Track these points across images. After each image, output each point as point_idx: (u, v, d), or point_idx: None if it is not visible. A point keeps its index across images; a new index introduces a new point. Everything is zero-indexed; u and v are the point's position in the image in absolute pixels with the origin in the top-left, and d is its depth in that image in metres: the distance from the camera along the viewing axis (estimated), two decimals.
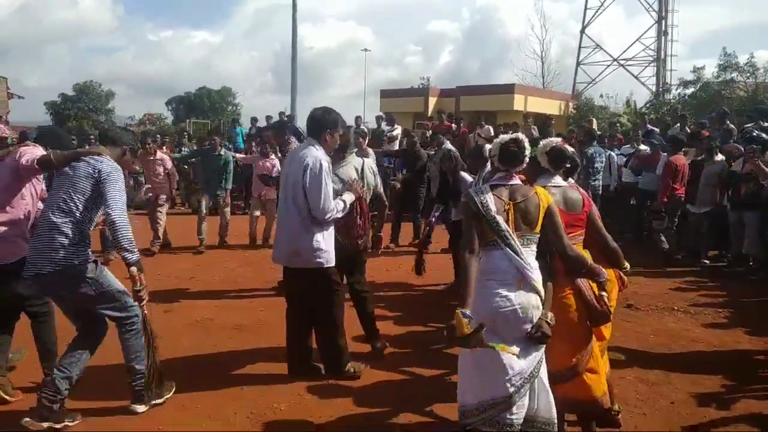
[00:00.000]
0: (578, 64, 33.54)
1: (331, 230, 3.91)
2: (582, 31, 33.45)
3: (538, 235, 2.71)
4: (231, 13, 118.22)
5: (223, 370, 4.17)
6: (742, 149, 7.73)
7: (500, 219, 2.65)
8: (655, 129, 11.72)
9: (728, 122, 10.36)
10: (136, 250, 3.26)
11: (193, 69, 79.84)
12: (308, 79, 74.31)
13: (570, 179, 3.26)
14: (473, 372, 2.63)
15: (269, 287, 6.32)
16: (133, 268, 3.24)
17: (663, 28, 31.07)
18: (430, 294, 6.42)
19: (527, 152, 2.83)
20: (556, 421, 2.67)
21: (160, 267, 7.24)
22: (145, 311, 3.45)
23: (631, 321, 5.45)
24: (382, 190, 4.84)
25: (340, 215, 3.88)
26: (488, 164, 5.51)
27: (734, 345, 4.89)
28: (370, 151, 7.57)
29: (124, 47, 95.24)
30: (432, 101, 24.96)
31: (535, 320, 2.61)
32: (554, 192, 2.95)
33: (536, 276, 2.64)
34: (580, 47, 33.51)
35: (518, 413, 2.56)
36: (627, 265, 3.22)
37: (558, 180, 3.10)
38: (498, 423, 2.55)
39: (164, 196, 8.32)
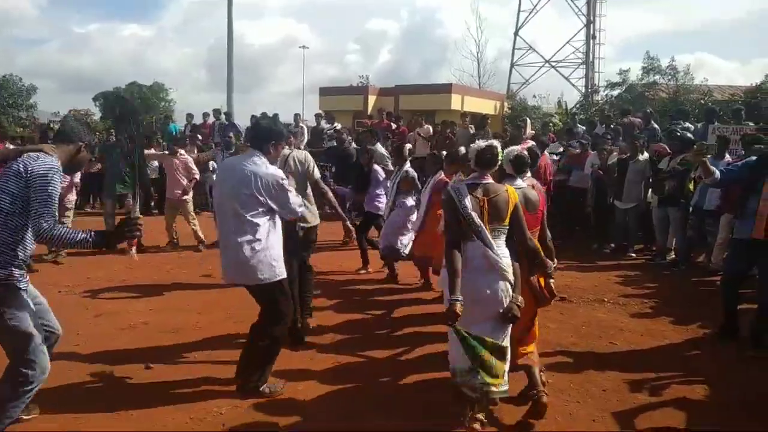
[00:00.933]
0: (512, 65, 34.46)
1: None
2: (516, 33, 34.39)
3: (507, 227, 3.17)
4: (163, 6, 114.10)
5: (158, 374, 4.04)
6: (667, 148, 8.17)
7: (475, 215, 3.07)
8: (582, 127, 12.21)
9: (652, 122, 10.97)
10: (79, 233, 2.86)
11: (123, 64, 76.32)
12: (246, 76, 72.94)
13: (527, 175, 3.70)
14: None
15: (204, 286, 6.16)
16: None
17: (591, 32, 32.38)
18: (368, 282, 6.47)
19: (500, 157, 3.27)
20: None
21: (89, 270, 6.91)
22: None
23: (564, 313, 5.65)
24: (318, 179, 4.88)
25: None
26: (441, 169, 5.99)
27: (660, 334, 5.16)
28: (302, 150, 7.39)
29: (47, 39, 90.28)
30: (371, 100, 24.97)
31: (506, 303, 3.07)
32: (518, 193, 3.32)
33: (506, 264, 3.09)
34: (514, 49, 34.46)
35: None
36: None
37: (519, 182, 3.51)
38: (474, 387, 3.05)
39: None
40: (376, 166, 7.51)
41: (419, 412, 3.61)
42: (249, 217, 3.55)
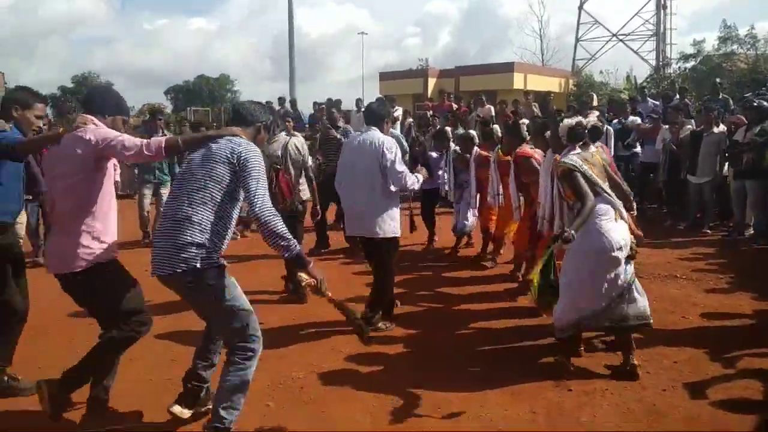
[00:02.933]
0: (577, 40, 33.38)
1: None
2: (580, 8, 33.24)
3: (608, 183, 3.79)
4: (226, 0, 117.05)
5: None
6: (745, 119, 7.80)
7: (593, 174, 3.69)
8: (656, 102, 11.76)
9: (721, 93, 10.45)
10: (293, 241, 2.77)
11: (191, 57, 79.44)
12: (307, 65, 74.14)
13: (597, 143, 4.13)
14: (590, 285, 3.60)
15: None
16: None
17: (662, 1, 30.83)
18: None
19: (587, 131, 3.87)
20: (649, 315, 3.76)
21: None
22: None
23: None
24: (309, 166, 5.68)
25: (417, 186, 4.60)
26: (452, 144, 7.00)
27: (736, 308, 5.01)
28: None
29: (120, 38, 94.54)
30: (431, 82, 24.92)
31: (628, 242, 3.66)
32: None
33: (624, 211, 3.73)
34: (578, 23, 33.34)
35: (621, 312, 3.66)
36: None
37: (592, 148, 3.94)
38: (605, 318, 3.65)
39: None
40: (431, 152, 7.67)
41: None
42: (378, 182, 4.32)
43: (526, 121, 5.85)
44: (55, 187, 3.02)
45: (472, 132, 7.11)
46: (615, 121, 10.30)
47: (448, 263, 6.82)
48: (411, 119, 13.70)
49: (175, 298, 3.08)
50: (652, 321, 3.77)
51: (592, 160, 3.80)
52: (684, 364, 3.85)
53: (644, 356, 3.99)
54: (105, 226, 3.01)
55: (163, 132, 7.76)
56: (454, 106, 13.65)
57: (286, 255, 2.73)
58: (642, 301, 3.74)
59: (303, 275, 2.89)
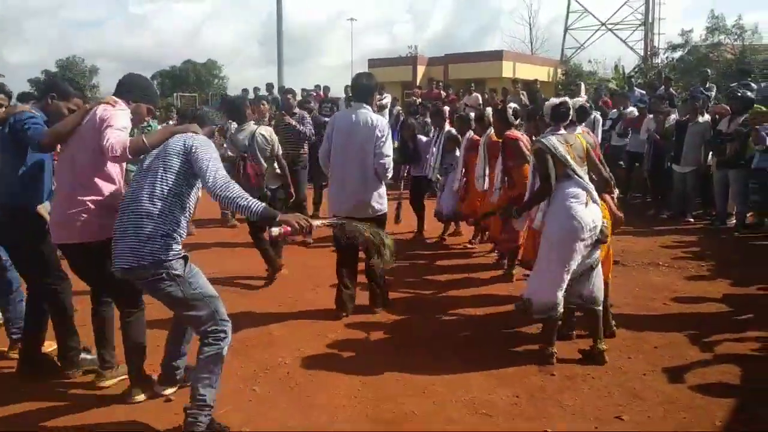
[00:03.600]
0: (566, 29, 33.37)
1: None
2: None
3: (586, 166, 3.80)
4: None
5: None
6: (729, 109, 7.88)
7: (568, 157, 3.68)
8: (643, 91, 11.85)
9: (708, 83, 10.56)
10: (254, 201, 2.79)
11: (178, 42, 78.39)
12: (296, 51, 73.42)
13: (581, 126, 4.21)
14: (556, 271, 3.64)
15: None
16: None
17: None
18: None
19: (572, 111, 3.87)
20: (601, 301, 3.82)
21: None
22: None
23: (618, 276, 5.60)
24: (278, 154, 5.76)
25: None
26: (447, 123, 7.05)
27: (716, 295, 5.10)
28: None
29: (106, 20, 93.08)
30: (420, 70, 24.82)
31: (599, 226, 3.67)
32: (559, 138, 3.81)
33: (596, 194, 3.72)
34: (568, 12, 33.32)
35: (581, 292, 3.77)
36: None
37: (578, 129, 4.05)
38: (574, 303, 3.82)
39: None
40: (419, 136, 7.73)
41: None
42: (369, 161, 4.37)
43: (513, 105, 5.83)
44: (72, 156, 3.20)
45: (472, 114, 7.01)
46: (614, 110, 10.38)
47: (435, 251, 6.87)
48: (399, 107, 13.69)
49: None
50: (600, 309, 3.82)
51: (573, 141, 3.80)
52: (664, 349, 3.93)
53: (626, 342, 4.06)
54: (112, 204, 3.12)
55: (148, 121, 7.54)
56: (443, 94, 13.65)
57: (251, 215, 2.75)
58: (598, 286, 3.80)
59: (273, 229, 2.89)
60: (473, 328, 4.44)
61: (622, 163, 9.85)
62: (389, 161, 4.43)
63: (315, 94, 13.81)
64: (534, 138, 4.71)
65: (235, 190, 2.76)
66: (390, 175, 4.54)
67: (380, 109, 13.35)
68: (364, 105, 4.48)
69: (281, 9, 19.83)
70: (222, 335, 2.92)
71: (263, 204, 2.80)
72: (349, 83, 16.46)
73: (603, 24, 32.87)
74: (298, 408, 3.22)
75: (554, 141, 3.72)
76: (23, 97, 7.31)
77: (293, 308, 4.84)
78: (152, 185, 2.82)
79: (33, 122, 3.24)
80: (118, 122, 3.02)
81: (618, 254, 6.33)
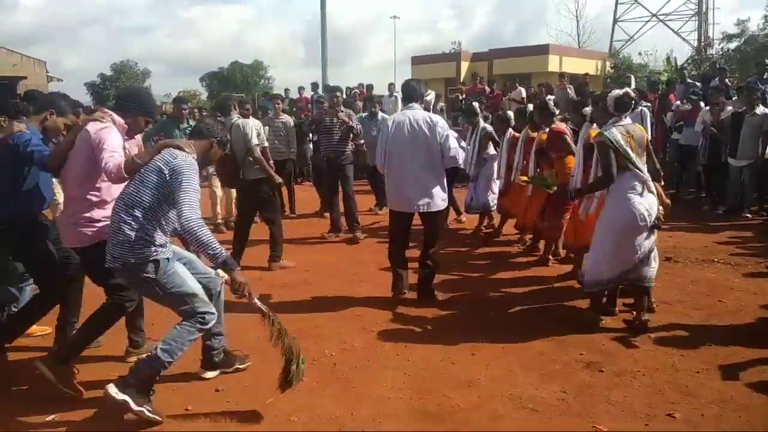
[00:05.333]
0: (615, 21, 32.59)
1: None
2: None
3: (645, 156, 3.98)
4: None
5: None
6: None
7: (629, 149, 3.84)
8: (696, 83, 11.44)
9: (766, 74, 10.12)
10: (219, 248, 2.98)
11: (226, 44, 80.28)
12: (340, 50, 74.11)
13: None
14: (612, 256, 3.97)
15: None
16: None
17: None
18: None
19: (633, 102, 4.08)
20: (653, 280, 4.14)
21: None
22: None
23: (670, 272, 5.49)
24: (252, 147, 5.85)
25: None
26: (510, 128, 6.92)
27: None
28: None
29: (157, 25, 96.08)
30: (464, 66, 24.65)
31: (654, 215, 3.91)
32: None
33: (652, 185, 3.94)
34: (617, 3, 32.54)
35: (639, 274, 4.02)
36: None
37: (627, 120, 4.05)
38: (626, 280, 4.08)
39: None
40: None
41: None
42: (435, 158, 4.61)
43: (552, 97, 6.16)
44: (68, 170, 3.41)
45: (510, 113, 7.17)
46: (676, 102, 10.09)
47: (471, 243, 6.84)
48: (443, 103, 13.64)
49: None
50: (653, 285, 4.20)
51: (634, 131, 3.95)
52: (719, 347, 3.80)
53: (678, 339, 3.96)
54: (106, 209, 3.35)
55: (188, 121, 7.54)
56: (487, 89, 13.51)
57: (214, 262, 3.01)
58: (654, 267, 4.11)
59: (220, 271, 3.19)
60: (517, 320, 4.40)
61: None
62: (457, 151, 4.62)
63: (359, 92, 13.89)
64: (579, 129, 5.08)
65: (206, 234, 2.94)
66: (461, 161, 4.79)
67: (471, 108, 13.41)
68: (416, 105, 4.74)
69: (325, 10, 19.99)
70: (199, 326, 3.12)
71: (226, 255, 3.00)
72: (392, 81, 16.61)
73: (654, 15, 31.95)
74: (344, 399, 3.27)
75: (617, 134, 3.88)
76: (76, 106, 7.68)
77: (340, 302, 4.90)
78: (129, 196, 3.05)
79: (35, 146, 3.48)
80: (110, 144, 3.22)
81: (670, 250, 6.18)
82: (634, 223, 3.87)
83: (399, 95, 15.07)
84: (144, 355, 3.20)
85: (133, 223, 3.00)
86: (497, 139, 7.04)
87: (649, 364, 3.58)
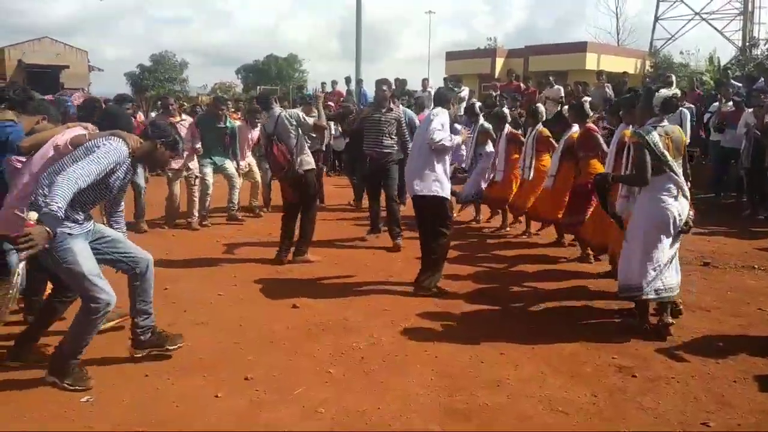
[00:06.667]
0: (656, 18, 31.76)
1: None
2: None
3: (681, 159, 3.96)
4: None
5: (298, 317, 4.47)
6: None
7: (666, 152, 3.81)
8: (738, 84, 11.09)
9: None
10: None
11: (261, 37, 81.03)
12: (374, 44, 73.94)
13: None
14: (642, 257, 3.91)
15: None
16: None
17: None
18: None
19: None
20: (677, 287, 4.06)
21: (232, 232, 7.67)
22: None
23: (708, 278, 5.35)
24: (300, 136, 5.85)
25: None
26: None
27: None
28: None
29: (195, 17, 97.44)
30: (499, 62, 24.39)
31: (684, 218, 3.90)
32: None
33: (686, 188, 3.91)
34: (659, 1, 31.64)
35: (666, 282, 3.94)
36: None
37: (665, 122, 3.99)
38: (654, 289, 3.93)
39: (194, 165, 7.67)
40: (455, 124, 7.98)
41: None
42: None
43: (588, 98, 6.26)
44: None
45: (505, 110, 7.48)
46: (715, 103, 9.82)
47: (479, 238, 6.77)
48: (476, 100, 13.48)
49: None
50: (675, 293, 4.08)
51: (672, 132, 3.92)
52: (757, 357, 3.68)
53: (714, 346, 3.85)
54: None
55: (225, 120, 7.74)
56: (522, 86, 13.33)
57: (36, 208, 2.90)
58: (678, 276, 4.07)
59: (31, 213, 2.89)
60: (547, 320, 4.33)
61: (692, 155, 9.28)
62: (437, 138, 4.76)
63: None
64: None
65: (63, 191, 2.87)
66: (444, 145, 4.82)
67: (458, 102, 13.27)
68: (440, 110, 5.03)
69: (361, 3, 19.97)
70: (91, 312, 3.18)
71: (54, 212, 2.83)
72: (426, 76, 16.55)
73: (697, 14, 31.03)
74: (372, 393, 3.27)
75: (655, 137, 3.83)
76: (120, 99, 7.87)
77: (368, 296, 4.90)
78: (52, 170, 3.13)
79: (15, 131, 3.73)
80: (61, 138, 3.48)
81: (709, 255, 6.03)
82: (664, 226, 3.86)
83: (430, 91, 15.02)
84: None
85: (41, 193, 3.03)
86: (494, 136, 7.34)
87: (683, 371, 3.49)
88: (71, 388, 3.22)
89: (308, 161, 5.88)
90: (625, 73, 13.51)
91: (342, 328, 4.21)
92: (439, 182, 4.89)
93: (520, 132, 7.33)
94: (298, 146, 5.78)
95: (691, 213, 4.00)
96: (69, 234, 3.13)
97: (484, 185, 7.35)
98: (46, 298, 3.80)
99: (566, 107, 7.03)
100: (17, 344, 3.55)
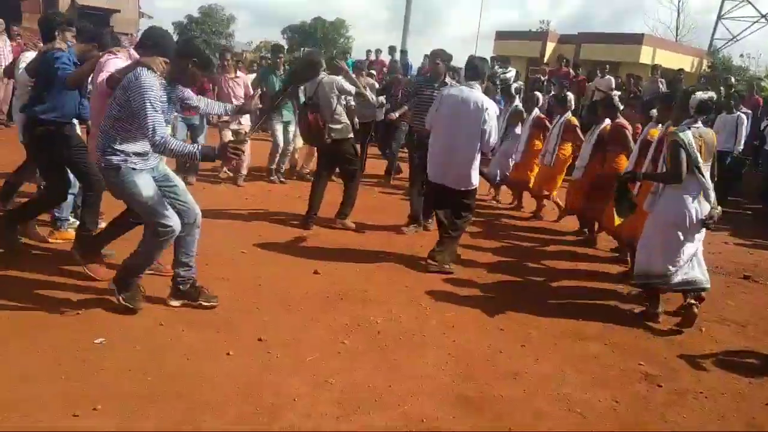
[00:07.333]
0: (719, 17, 30.32)
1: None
2: None
3: (710, 162, 4.03)
4: None
5: (318, 284, 4.40)
6: None
7: (698, 154, 3.87)
8: None
9: None
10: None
11: None
12: (423, 18, 72.37)
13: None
14: (661, 249, 4.03)
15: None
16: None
17: None
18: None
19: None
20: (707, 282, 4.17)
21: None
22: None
23: (747, 292, 5.10)
24: (338, 105, 5.76)
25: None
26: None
27: None
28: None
29: None
30: (549, 47, 23.60)
31: (702, 216, 3.93)
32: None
33: (712, 192, 3.96)
34: None
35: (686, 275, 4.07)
36: None
37: (699, 123, 4.04)
38: (674, 283, 4.07)
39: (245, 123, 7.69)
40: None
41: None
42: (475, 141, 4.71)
43: (617, 93, 6.63)
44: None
45: (537, 93, 7.53)
46: None
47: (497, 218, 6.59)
48: (521, 82, 13.07)
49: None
50: (709, 287, 4.20)
51: (706, 136, 3.99)
52: None
53: (749, 364, 3.67)
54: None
55: (283, 68, 7.87)
56: (572, 73, 12.89)
57: (195, 159, 3.29)
58: (703, 269, 4.16)
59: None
60: (573, 315, 4.16)
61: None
62: (493, 141, 4.78)
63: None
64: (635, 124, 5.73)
65: (174, 144, 3.20)
66: (492, 146, 4.98)
67: (503, 82, 12.91)
68: (476, 84, 4.77)
69: None
70: (160, 237, 3.37)
71: (198, 148, 3.27)
72: (474, 54, 16.10)
73: (763, 16, 29.52)
74: (384, 369, 3.19)
75: (690, 137, 3.90)
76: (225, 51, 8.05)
77: (391, 271, 4.80)
78: (107, 109, 3.32)
79: (62, 63, 3.94)
80: (106, 68, 3.73)
81: (750, 269, 5.76)
82: (682, 222, 3.93)
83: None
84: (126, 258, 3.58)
85: (102, 132, 3.31)
86: (524, 116, 7.38)
87: (713, 387, 3.32)
88: (124, 303, 3.46)
89: (341, 131, 5.74)
90: (681, 70, 12.92)
91: (360, 299, 4.12)
92: (475, 173, 4.86)
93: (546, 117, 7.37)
94: (334, 114, 5.66)
95: (718, 209, 4.01)
96: (133, 169, 3.32)
97: (510, 166, 7.40)
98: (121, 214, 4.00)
99: (569, 93, 7.19)
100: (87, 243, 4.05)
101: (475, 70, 4.80)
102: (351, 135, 5.91)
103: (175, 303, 3.67)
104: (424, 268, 4.81)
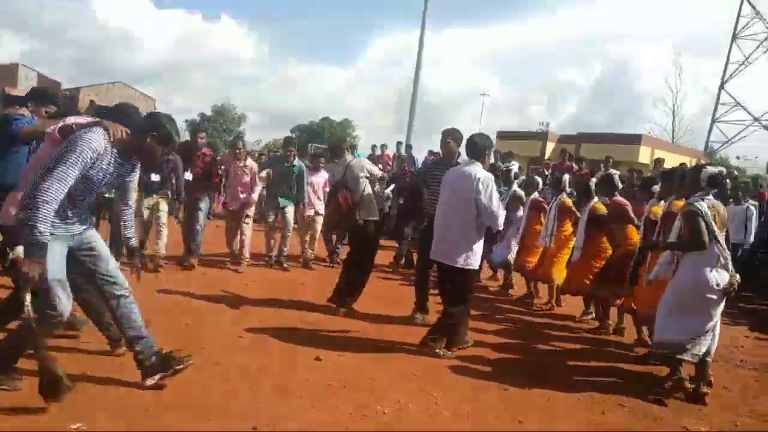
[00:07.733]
0: (713, 120, 31.50)
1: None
2: (721, 87, 31.44)
3: (724, 233, 4.09)
4: (363, 53, 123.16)
5: (320, 370, 4.11)
6: None
7: (713, 222, 3.98)
8: None
9: None
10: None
11: (322, 102, 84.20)
12: (426, 121, 75.11)
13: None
14: (678, 314, 4.06)
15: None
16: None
17: None
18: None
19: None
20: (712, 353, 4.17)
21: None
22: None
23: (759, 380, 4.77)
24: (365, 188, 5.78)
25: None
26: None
27: None
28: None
29: (263, 78, 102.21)
30: (550, 146, 24.27)
31: (723, 287, 3.97)
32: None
33: (729, 261, 4.03)
34: (717, 103, 31.50)
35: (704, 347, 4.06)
36: None
37: (710, 197, 4.15)
38: (691, 354, 4.05)
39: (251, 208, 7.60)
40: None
41: None
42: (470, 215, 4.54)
43: (617, 172, 6.44)
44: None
45: (536, 178, 7.72)
46: None
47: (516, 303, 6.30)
48: (523, 176, 13.18)
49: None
50: (710, 360, 4.20)
51: (719, 208, 4.11)
52: None
53: None
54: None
55: (293, 159, 7.77)
56: (575, 167, 13.05)
57: (23, 237, 2.82)
58: (715, 342, 4.16)
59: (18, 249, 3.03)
60: (599, 411, 3.84)
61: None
62: (495, 213, 4.53)
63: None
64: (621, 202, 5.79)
65: (44, 210, 2.77)
66: (500, 223, 4.69)
67: (504, 174, 13.04)
68: (476, 162, 4.67)
69: (418, 80, 20.41)
70: (45, 315, 2.96)
71: (43, 240, 2.79)
72: None
73: (756, 119, 30.59)
74: None
75: (705, 207, 4.01)
76: (195, 130, 8.36)
77: (398, 357, 4.51)
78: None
79: (19, 122, 4.00)
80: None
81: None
82: (703, 293, 3.96)
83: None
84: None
85: (31, 184, 2.86)
86: (524, 200, 7.49)
87: None
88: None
89: (371, 212, 5.76)
90: (683, 164, 13.05)
91: (367, 387, 3.82)
92: (475, 255, 4.66)
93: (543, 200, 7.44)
94: (364, 195, 5.69)
95: (737, 276, 4.04)
96: (50, 233, 2.90)
97: (513, 250, 7.39)
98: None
99: (593, 180, 6.93)
100: None
101: (474, 146, 4.74)
102: (377, 217, 5.91)
103: (151, 381, 3.34)
104: (435, 355, 4.53)
